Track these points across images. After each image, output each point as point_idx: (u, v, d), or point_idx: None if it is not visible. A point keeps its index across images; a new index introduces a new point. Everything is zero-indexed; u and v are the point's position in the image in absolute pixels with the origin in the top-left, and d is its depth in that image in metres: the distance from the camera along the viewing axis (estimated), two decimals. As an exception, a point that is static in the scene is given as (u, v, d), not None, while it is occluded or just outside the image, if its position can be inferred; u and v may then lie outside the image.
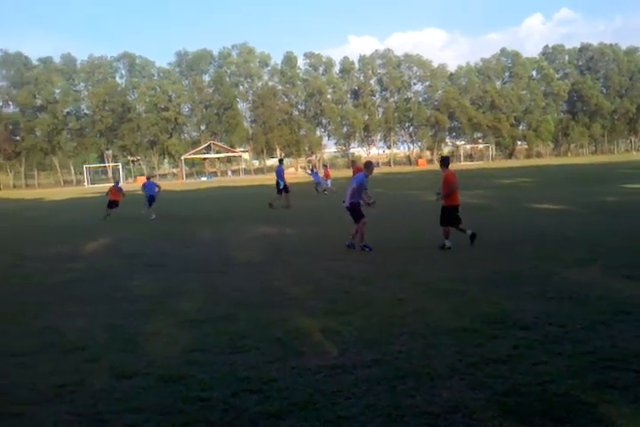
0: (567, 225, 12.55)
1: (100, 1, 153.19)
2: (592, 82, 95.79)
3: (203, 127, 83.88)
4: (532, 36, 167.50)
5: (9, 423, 3.87)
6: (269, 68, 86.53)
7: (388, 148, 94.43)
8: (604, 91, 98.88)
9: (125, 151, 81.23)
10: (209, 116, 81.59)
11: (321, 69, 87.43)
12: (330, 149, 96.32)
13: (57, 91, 76.97)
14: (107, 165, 76.97)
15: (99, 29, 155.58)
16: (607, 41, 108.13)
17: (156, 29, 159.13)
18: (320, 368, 4.53)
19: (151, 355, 5.10)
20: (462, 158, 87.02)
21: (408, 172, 62.43)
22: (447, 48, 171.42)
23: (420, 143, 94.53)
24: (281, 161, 24.55)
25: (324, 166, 34.98)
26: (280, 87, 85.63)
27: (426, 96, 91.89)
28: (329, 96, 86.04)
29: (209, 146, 73.34)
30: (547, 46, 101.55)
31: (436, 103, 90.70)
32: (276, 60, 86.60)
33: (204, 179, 69.99)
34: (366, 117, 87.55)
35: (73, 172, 79.89)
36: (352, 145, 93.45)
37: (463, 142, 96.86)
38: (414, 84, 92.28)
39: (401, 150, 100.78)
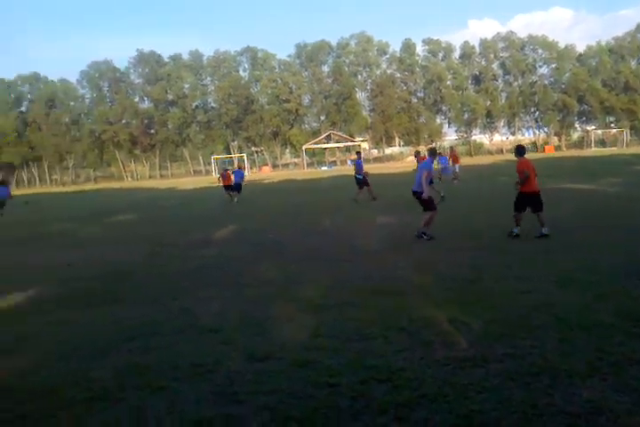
0: None
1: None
2: None
3: (322, 117, 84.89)
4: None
5: (156, 396, 4.14)
6: (387, 56, 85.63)
7: (512, 134, 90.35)
8: None
9: (250, 142, 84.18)
10: (328, 106, 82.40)
11: (440, 55, 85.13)
12: (450, 136, 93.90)
13: (186, 86, 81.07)
14: (232, 155, 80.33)
15: (223, 25, 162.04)
16: None
17: (275, 23, 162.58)
18: (449, 360, 4.42)
19: (280, 339, 5.24)
20: (593, 144, 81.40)
21: (535, 159, 59.37)
22: (574, 27, 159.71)
23: (546, 129, 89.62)
24: (359, 153, 23.98)
25: (451, 149, 32.23)
26: (398, 75, 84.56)
27: (552, 79, 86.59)
28: (449, 82, 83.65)
29: (329, 136, 74.20)
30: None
31: (563, 86, 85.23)
32: (395, 47, 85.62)
33: (324, 168, 71.02)
34: (488, 103, 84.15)
35: (202, 162, 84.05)
36: (474, 132, 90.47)
37: (594, 127, 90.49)
38: (539, 66, 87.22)
39: (526, 136, 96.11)
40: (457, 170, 26.82)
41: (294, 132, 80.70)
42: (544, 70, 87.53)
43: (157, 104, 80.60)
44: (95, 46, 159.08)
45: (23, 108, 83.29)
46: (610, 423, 3.32)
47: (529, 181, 10.04)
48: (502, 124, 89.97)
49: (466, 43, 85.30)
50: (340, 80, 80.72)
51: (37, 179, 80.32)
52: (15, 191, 37.09)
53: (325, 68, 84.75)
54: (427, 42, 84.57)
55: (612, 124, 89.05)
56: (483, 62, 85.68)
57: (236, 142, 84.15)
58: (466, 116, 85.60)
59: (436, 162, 26.93)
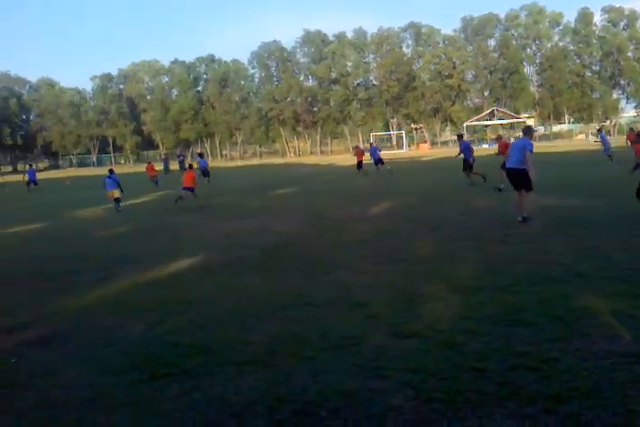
0: None
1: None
2: None
3: (486, 93, 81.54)
4: None
5: (303, 365, 4.33)
6: (560, 27, 79.36)
7: None
8: None
9: (409, 119, 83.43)
10: (493, 81, 78.89)
11: (622, 24, 77.13)
12: (627, 113, 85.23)
13: (349, 64, 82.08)
14: (391, 133, 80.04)
15: (388, 1, 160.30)
16: None
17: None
18: (609, 354, 4.08)
19: (427, 317, 5.20)
20: None
21: None
22: None
23: None
24: (460, 136, 22.15)
25: (630, 130, 28.76)
26: (572, 47, 78.24)
27: None
28: (630, 54, 75.68)
29: (492, 112, 71.04)
30: None
31: None
32: (569, 18, 79.10)
33: (485, 146, 68.35)
34: (675, 76, 75.14)
35: (361, 139, 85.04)
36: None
37: None
38: None
39: None
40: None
41: (456, 109, 78.48)
42: None
43: (321, 82, 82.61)
44: (265, 29, 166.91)
45: (199, 88, 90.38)
46: None
47: None
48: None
49: (654, 8, 76.35)
50: (507, 54, 76.70)
51: (210, 153, 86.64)
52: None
53: (492, 42, 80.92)
54: (606, 10, 77.01)
55: None
56: (672, 30, 76.27)
57: (395, 119, 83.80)
58: (647, 90, 77.07)
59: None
